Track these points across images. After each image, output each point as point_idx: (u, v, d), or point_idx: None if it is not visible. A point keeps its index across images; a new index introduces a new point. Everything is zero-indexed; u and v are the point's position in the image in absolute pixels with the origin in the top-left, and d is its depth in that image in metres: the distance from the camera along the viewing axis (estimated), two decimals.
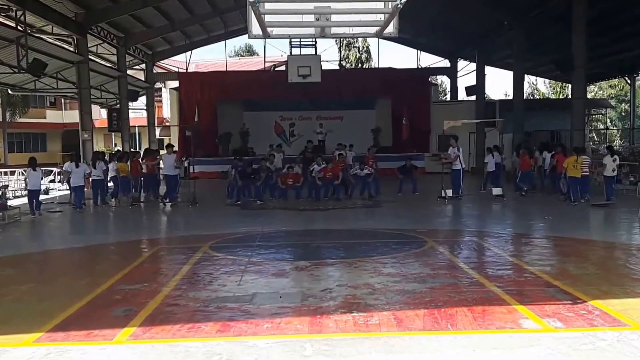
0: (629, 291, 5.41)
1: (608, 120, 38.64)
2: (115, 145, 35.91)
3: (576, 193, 12.24)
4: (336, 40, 35.32)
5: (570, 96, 20.41)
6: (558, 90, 42.08)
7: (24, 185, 14.38)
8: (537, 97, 42.72)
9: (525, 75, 24.39)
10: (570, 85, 21.38)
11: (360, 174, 14.12)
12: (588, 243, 8.23)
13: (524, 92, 23.78)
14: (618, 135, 37.29)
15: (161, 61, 28.06)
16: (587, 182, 12.60)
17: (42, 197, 15.10)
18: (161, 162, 14.76)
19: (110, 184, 14.67)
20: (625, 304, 4.97)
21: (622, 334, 4.21)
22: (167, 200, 13.54)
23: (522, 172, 14.37)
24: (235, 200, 13.60)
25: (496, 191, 13.59)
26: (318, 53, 19.78)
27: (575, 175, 12.21)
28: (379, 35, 6.80)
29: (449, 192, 13.41)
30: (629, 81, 28.30)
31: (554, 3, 16.71)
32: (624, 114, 40.44)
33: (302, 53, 19.77)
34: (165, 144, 17.99)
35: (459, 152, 13.72)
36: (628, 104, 33.08)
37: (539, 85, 44.99)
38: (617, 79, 33.44)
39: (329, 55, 36.30)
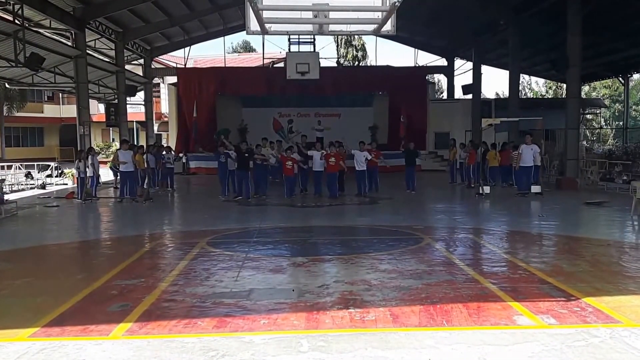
0: (621, 288, 5.45)
1: (602, 120, 38.78)
2: (113, 140, 35.90)
3: (494, 178, 15.72)
4: (334, 38, 35.30)
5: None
6: (550, 88, 42.24)
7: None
8: (531, 95, 42.89)
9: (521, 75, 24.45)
10: (564, 85, 21.44)
11: (361, 159, 14.05)
12: (581, 240, 8.28)
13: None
14: (612, 134, 37.44)
15: (159, 56, 28.00)
16: (504, 171, 16.09)
17: (39, 191, 15.10)
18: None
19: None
20: (618, 301, 5.02)
21: (615, 330, 4.25)
22: (128, 197, 13.57)
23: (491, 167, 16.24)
24: (235, 196, 13.60)
25: (535, 188, 13.76)
26: (316, 50, 19.78)
27: (494, 164, 15.88)
28: (377, 32, 6.81)
29: (487, 189, 13.75)
30: (622, 81, 28.41)
31: (549, 2, 16.74)
32: (617, 114, 40.62)
33: (300, 50, 19.73)
34: (120, 139, 17.75)
35: (536, 149, 14.02)
36: (622, 104, 33.22)
37: (532, 85, 45.19)
38: (611, 79, 33.60)
39: (328, 52, 36.30)
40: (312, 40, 20.01)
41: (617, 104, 41.32)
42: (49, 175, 19.91)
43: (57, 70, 18.82)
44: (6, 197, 12.93)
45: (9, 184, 17.00)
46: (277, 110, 25.90)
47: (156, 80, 29.61)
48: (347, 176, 14.49)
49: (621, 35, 20.22)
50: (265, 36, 21.85)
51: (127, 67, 23.20)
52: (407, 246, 7.75)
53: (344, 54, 38.78)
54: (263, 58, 28.11)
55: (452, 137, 19.65)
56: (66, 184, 18.84)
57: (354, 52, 39.23)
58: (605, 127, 39.01)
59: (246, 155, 13.54)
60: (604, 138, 35.81)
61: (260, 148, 14.52)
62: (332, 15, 6.37)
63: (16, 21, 14.56)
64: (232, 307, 4.95)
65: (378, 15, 6.20)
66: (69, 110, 34.78)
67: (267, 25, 6.37)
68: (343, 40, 37.92)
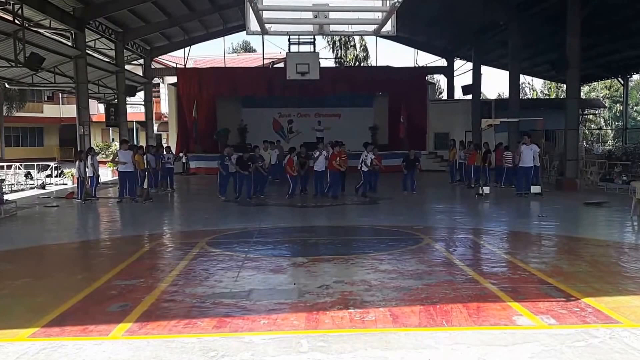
0: (621, 289, 5.45)
1: (602, 121, 38.78)
2: (113, 140, 35.88)
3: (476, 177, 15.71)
4: (331, 39, 35.22)
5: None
6: (552, 88, 42.30)
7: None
8: (531, 96, 42.93)
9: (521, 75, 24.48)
10: (564, 85, 21.46)
11: (366, 162, 14.04)
12: (581, 241, 8.29)
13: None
14: (612, 135, 37.47)
15: (159, 57, 28.00)
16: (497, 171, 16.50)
17: (38, 191, 15.05)
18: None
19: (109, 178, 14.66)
20: (617, 301, 5.02)
21: (614, 331, 4.25)
22: (128, 197, 13.60)
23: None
24: (235, 196, 13.59)
25: (535, 189, 13.79)
26: (316, 50, 19.79)
27: (479, 164, 15.94)
28: (377, 33, 6.80)
29: (486, 190, 13.85)
30: (622, 82, 28.43)
31: (549, 3, 16.78)
32: (617, 115, 40.66)
33: (300, 50, 19.74)
34: (120, 139, 17.64)
35: (535, 149, 14.00)
36: (622, 104, 33.23)
37: (534, 85, 45.26)
38: (610, 80, 33.62)
39: (328, 53, 36.48)
40: (312, 40, 20.03)
41: (617, 105, 41.35)
42: (49, 175, 19.92)
43: (57, 70, 18.82)
44: (6, 197, 12.93)
45: (9, 184, 17.01)
46: (277, 111, 25.93)
47: (156, 80, 29.59)
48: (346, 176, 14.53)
49: (621, 36, 20.25)
50: (265, 36, 21.86)
51: (127, 67, 23.20)
52: (407, 246, 7.75)
53: (342, 56, 38.75)
54: (263, 58, 28.11)
55: (452, 138, 19.68)
56: (66, 184, 18.84)
57: (355, 52, 39.22)
58: (605, 127, 39.03)
59: (246, 160, 13.54)
60: (603, 138, 35.83)
61: (260, 150, 14.54)
62: (332, 15, 6.36)
63: (16, 21, 14.56)
64: (231, 307, 4.95)
65: (378, 15, 6.20)
66: (69, 110, 34.78)
67: (267, 26, 6.37)
68: (343, 41, 37.89)
